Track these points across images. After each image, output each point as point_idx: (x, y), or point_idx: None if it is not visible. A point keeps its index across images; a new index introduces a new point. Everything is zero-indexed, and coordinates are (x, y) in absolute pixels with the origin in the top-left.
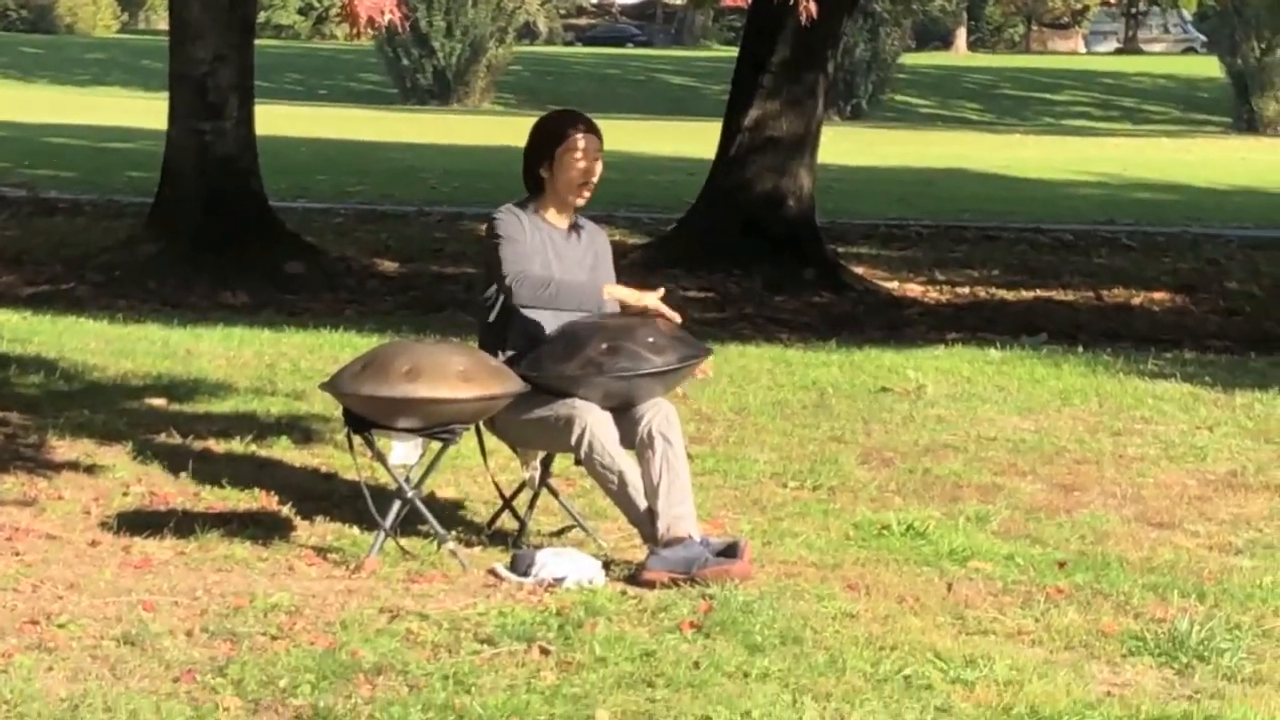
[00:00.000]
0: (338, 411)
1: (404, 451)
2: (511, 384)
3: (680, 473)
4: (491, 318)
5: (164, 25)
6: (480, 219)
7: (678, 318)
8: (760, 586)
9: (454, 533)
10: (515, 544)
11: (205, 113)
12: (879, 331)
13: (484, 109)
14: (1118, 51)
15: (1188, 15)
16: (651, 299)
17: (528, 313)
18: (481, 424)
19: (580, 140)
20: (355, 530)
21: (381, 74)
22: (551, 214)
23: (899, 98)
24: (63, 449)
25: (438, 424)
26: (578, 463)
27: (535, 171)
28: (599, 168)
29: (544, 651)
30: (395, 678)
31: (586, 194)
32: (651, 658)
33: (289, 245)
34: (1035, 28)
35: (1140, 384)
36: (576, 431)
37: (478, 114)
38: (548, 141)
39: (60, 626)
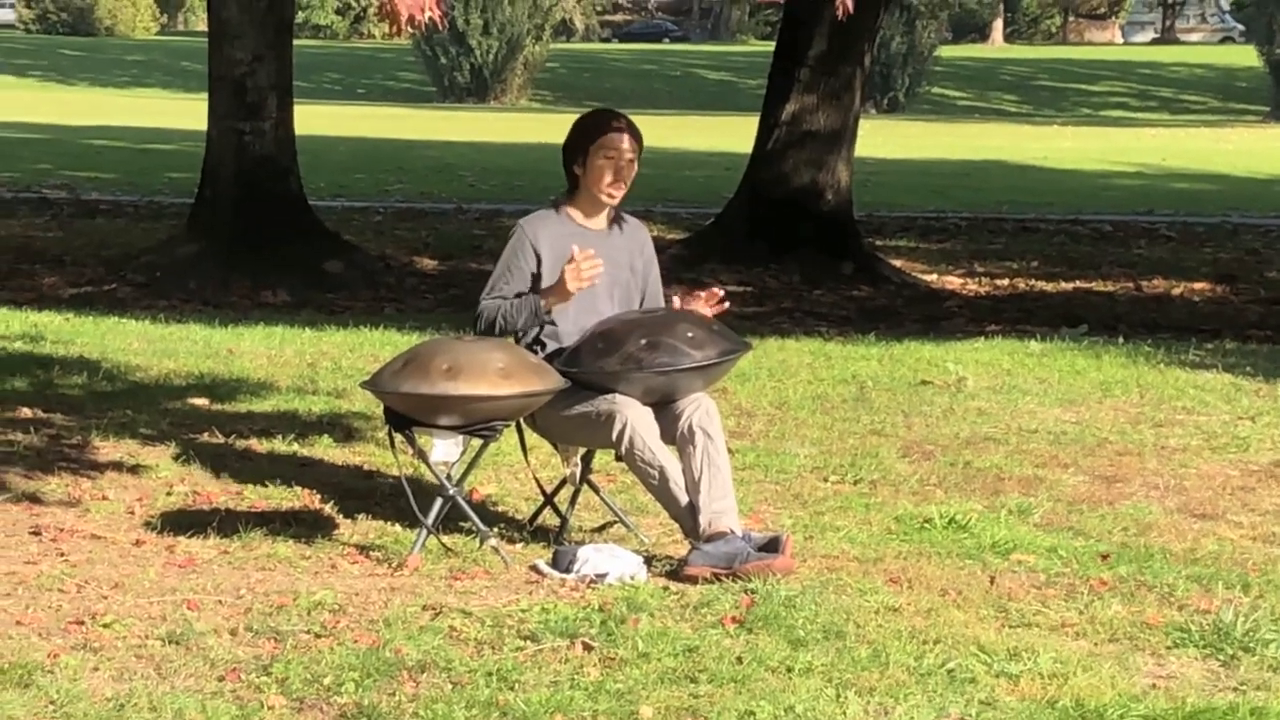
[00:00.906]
0: (379, 410)
1: (445, 449)
2: (551, 380)
3: (721, 467)
4: None
5: (203, 26)
6: (519, 215)
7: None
8: (802, 581)
9: (496, 529)
10: (557, 540)
11: (244, 113)
12: (918, 324)
13: (521, 106)
14: (1155, 41)
15: (1225, 4)
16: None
17: (561, 310)
18: (522, 421)
19: (613, 139)
20: (397, 528)
21: (419, 72)
22: (585, 211)
23: (936, 90)
24: (106, 449)
25: (478, 421)
26: (618, 458)
27: (570, 168)
28: (633, 168)
29: (587, 647)
30: (439, 675)
31: (617, 193)
32: (694, 653)
33: (328, 244)
34: (1072, 19)
35: (1181, 374)
36: (617, 427)
37: (515, 111)
38: (582, 139)
39: (105, 626)
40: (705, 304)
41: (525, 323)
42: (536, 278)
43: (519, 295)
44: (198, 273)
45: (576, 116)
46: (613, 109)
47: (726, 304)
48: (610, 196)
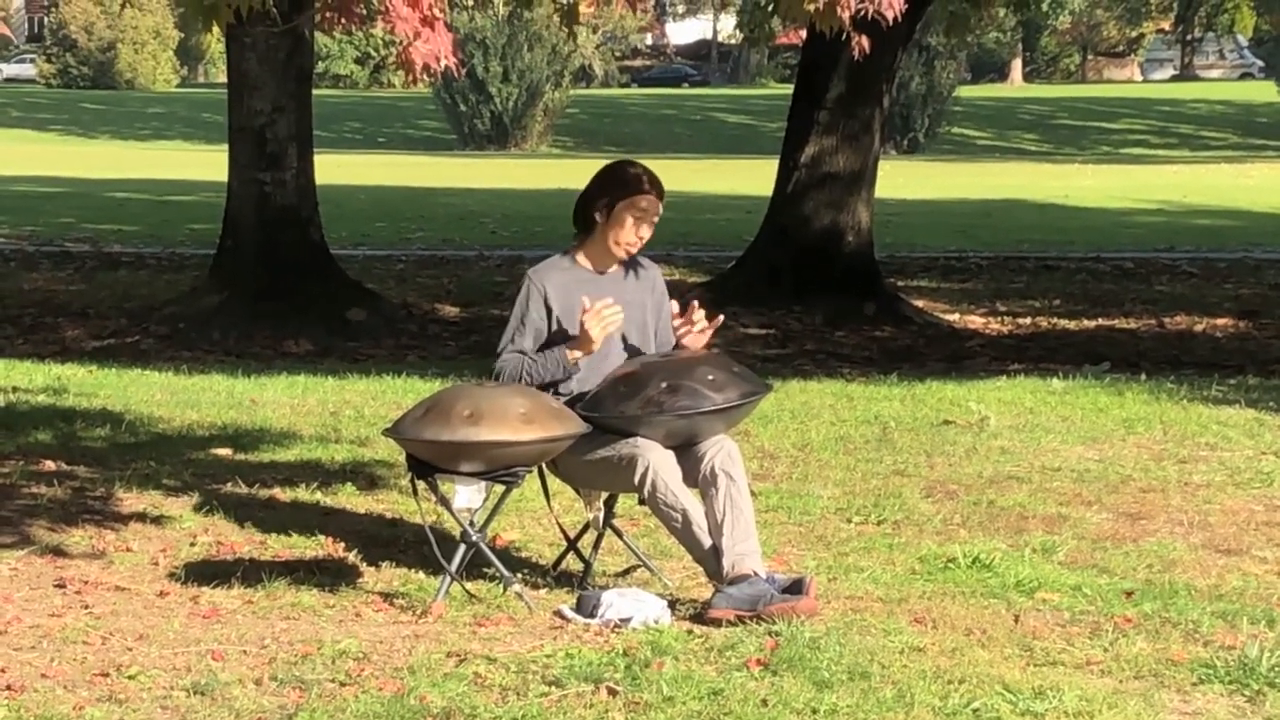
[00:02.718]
0: (402, 457)
1: (467, 495)
2: (573, 425)
3: (744, 510)
4: None
5: (223, 78)
6: (540, 261)
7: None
8: (827, 622)
9: (519, 575)
10: (581, 585)
11: (265, 163)
12: (940, 364)
13: (541, 152)
14: (1174, 78)
15: (1244, 40)
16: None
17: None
18: (544, 466)
19: (645, 200)
20: (421, 575)
21: (440, 120)
22: (597, 259)
23: (956, 130)
24: (130, 501)
25: (500, 467)
26: (641, 502)
27: (590, 213)
28: (650, 230)
29: (612, 692)
30: None
31: (631, 250)
32: (719, 696)
33: (351, 292)
34: (1091, 57)
35: (1204, 410)
36: (639, 471)
37: (535, 158)
38: (612, 189)
39: (130, 678)
40: (689, 320)
41: (552, 377)
42: (549, 328)
43: (541, 349)
44: (220, 323)
45: (598, 163)
46: (637, 162)
47: (719, 317)
48: (627, 252)
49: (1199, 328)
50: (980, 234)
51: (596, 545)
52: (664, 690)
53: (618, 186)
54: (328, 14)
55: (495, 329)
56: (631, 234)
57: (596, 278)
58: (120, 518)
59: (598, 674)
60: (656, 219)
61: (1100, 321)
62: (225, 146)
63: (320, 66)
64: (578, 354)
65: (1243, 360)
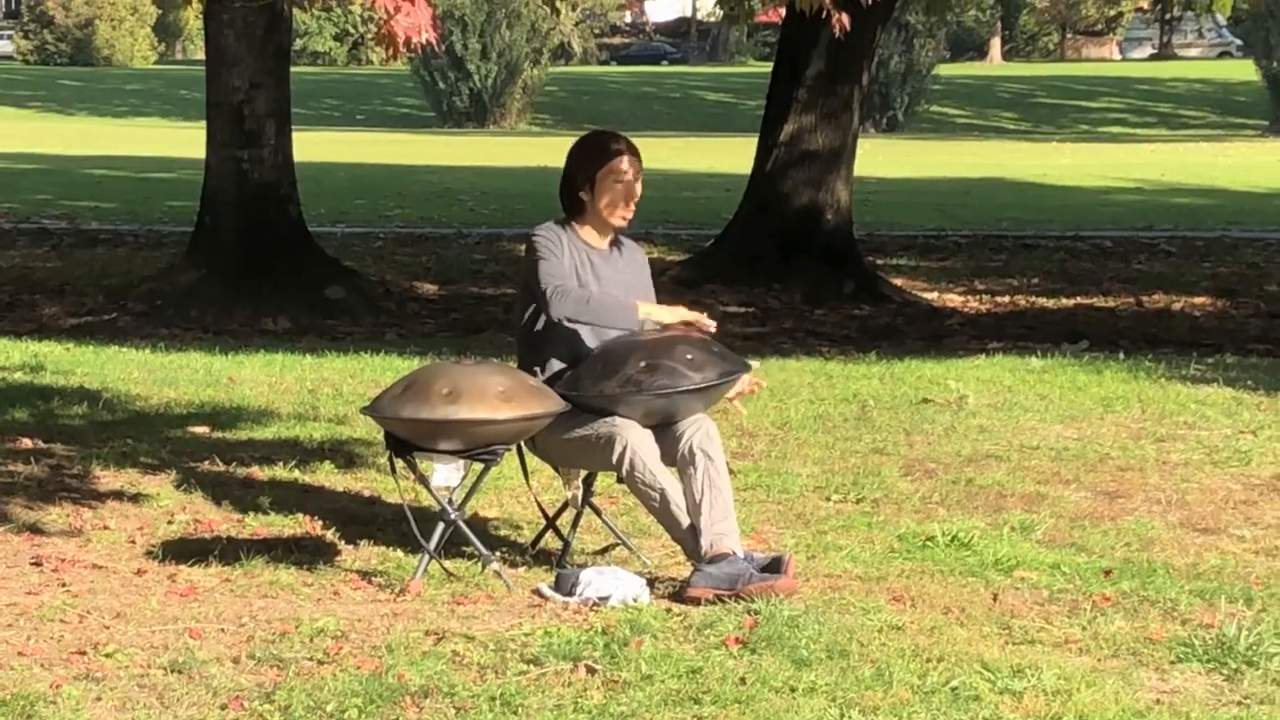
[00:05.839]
0: (380, 435)
1: (446, 473)
2: (552, 403)
3: (722, 489)
4: (536, 328)
5: (201, 55)
6: (519, 239)
7: (712, 326)
8: (805, 601)
9: (498, 553)
10: (559, 563)
11: (243, 140)
12: (919, 342)
13: (520, 130)
14: (1153, 57)
15: (1222, 19)
16: (685, 311)
17: (565, 331)
18: (523, 444)
19: (622, 163)
20: (399, 553)
21: (418, 98)
22: (590, 234)
23: (935, 109)
24: (107, 479)
25: (479, 445)
26: (619, 481)
27: (575, 193)
28: (639, 189)
29: (590, 670)
30: (442, 700)
31: (627, 216)
32: (698, 674)
33: (329, 270)
34: (1069, 35)
35: (1183, 389)
36: (618, 450)
37: (514, 135)
38: (588, 163)
39: (107, 656)
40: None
41: (611, 322)
42: None
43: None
44: (198, 301)
45: (575, 139)
46: (611, 130)
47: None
48: (622, 220)
49: (1177, 306)
50: (959, 212)
51: (575, 523)
52: (643, 669)
53: (593, 158)
54: None
55: (474, 306)
56: (622, 203)
57: (592, 250)
58: (97, 495)
59: (576, 652)
60: (640, 177)
61: (1079, 300)
62: (203, 123)
63: (298, 43)
64: (658, 318)
65: (1221, 339)
